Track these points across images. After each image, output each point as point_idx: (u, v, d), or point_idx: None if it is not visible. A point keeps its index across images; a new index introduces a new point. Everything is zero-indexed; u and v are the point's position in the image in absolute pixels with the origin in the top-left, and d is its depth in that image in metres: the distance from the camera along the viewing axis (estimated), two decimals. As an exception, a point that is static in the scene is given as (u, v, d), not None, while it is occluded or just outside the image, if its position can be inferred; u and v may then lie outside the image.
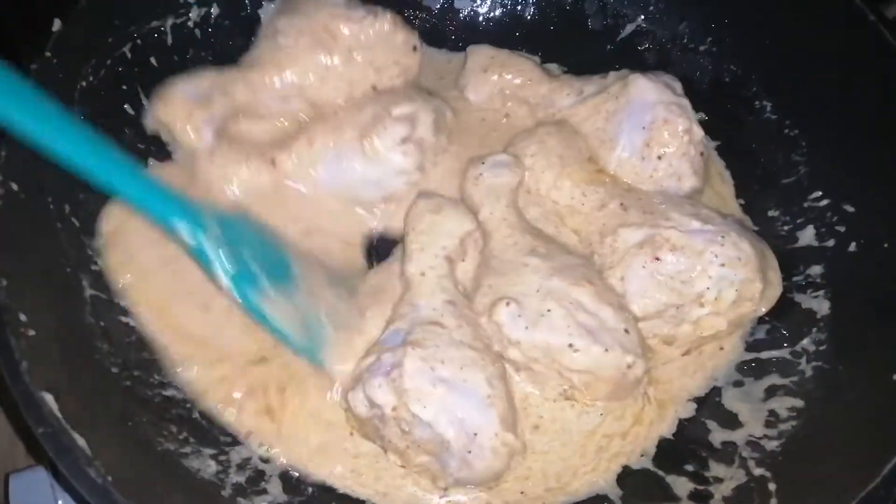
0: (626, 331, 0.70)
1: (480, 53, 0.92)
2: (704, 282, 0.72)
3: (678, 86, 0.83)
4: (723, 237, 0.73)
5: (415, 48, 0.85)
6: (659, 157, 0.80)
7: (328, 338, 0.72)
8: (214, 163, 0.78)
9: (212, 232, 0.68)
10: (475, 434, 0.65)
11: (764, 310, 0.77)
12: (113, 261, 0.74)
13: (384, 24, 0.82)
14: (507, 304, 0.70)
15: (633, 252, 0.74)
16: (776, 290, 0.76)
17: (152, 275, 0.75)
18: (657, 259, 0.73)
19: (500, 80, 0.90)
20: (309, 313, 0.72)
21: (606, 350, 0.69)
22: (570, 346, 0.69)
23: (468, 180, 0.81)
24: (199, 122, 0.79)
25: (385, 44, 0.83)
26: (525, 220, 0.79)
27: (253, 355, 0.74)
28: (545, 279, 0.71)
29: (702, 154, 0.82)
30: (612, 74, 0.86)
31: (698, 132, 0.80)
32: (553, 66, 0.95)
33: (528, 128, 0.86)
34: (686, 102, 0.82)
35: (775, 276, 0.76)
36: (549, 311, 0.69)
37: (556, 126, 0.85)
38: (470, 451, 0.65)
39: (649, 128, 0.80)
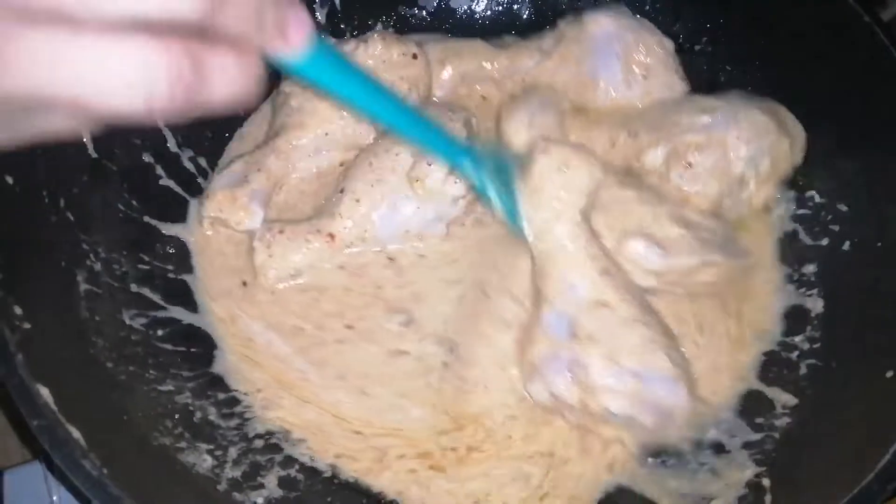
0: (732, 234, 0.75)
1: (432, 50, 0.90)
2: (739, 165, 0.75)
3: (626, 8, 0.85)
4: (735, 119, 0.75)
5: (414, 56, 0.84)
6: (644, 77, 0.82)
7: None
8: (274, 256, 0.77)
9: (486, 167, 0.71)
10: (670, 413, 0.66)
11: (800, 159, 0.79)
12: (234, 346, 0.76)
13: (376, 46, 0.82)
14: (640, 237, 0.70)
15: (665, 169, 0.76)
16: (801, 137, 0.78)
17: (285, 361, 0.75)
18: (689, 165, 0.75)
19: (460, 69, 0.90)
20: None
21: (735, 257, 0.73)
22: (705, 263, 0.71)
23: (519, 129, 0.77)
24: (244, 201, 0.79)
25: (385, 64, 0.82)
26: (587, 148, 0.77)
27: (439, 427, 0.72)
28: (656, 206, 0.72)
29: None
30: (561, 23, 0.87)
31: (668, 43, 0.83)
32: (509, 38, 0.94)
33: (504, 104, 0.85)
34: (646, 21, 0.84)
35: (794, 125, 0.78)
36: (680, 235, 0.71)
37: (531, 91, 0.84)
38: (666, 425, 0.66)
39: (623, 54, 0.82)
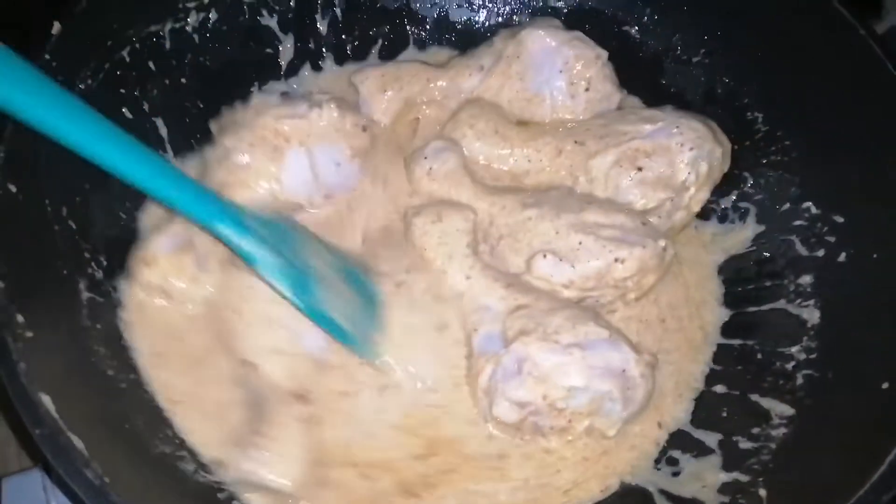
0: (644, 223, 0.77)
1: (369, 77, 0.90)
2: (684, 170, 0.80)
3: (557, 21, 0.88)
4: (677, 126, 0.80)
5: (364, 128, 0.83)
6: (587, 90, 0.85)
7: (374, 328, 0.74)
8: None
9: (255, 233, 0.69)
10: (623, 371, 0.69)
11: (727, 167, 0.83)
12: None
13: (332, 113, 0.80)
14: (544, 256, 0.74)
15: (614, 173, 0.80)
16: (729, 146, 0.83)
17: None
18: (639, 169, 0.79)
19: (401, 93, 0.89)
20: (357, 307, 0.74)
21: (644, 247, 0.74)
22: (616, 259, 0.74)
23: (421, 180, 0.82)
24: (192, 269, 0.74)
25: (336, 132, 0.81)
26: (492, 185, 0.82)
27: (416, 450, 0.72)
28: (554, 219, 0.76)
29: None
30: (497, 39, 0.89)
31: (603, 53, 0.86)
32: (445, 51, 0.97)
33: (449, 119, 0.87)
34: (578, 32, 0.87)
35: (723, 136, 0.83)
36: (580, 243, 0.74)
37: (476, 106, 0.86)
38: (628, 388, 0.69)
39: (566, 69, 0.85)
